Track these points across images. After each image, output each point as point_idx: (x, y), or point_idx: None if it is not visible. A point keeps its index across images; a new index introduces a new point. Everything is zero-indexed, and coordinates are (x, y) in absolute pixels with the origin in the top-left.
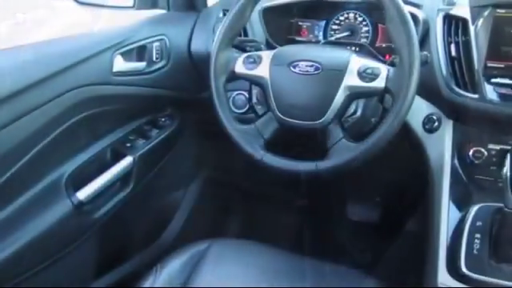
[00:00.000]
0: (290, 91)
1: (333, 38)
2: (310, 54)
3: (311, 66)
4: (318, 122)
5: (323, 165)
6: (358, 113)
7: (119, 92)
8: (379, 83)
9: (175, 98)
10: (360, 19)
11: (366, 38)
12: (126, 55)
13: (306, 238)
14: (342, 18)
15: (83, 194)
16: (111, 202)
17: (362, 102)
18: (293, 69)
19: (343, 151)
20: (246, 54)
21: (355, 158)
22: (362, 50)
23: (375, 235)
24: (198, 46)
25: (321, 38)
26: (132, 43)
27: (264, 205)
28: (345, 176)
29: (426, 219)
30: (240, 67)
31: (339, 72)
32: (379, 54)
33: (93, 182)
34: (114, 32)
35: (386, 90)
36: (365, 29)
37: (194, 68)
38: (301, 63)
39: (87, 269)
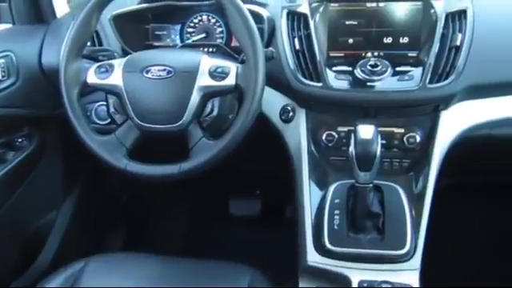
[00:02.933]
0: (145, 97)
1: (189, 41)
2: (162, 58)
3: (163, 70)
4: (176, 124)
5: (186, 166)
6: (215, 111)
7: None
8: (230, 81)
9: (31, 116)
10: (213, 21)
11: (221, 38)
12: None
13: (191, 240)
14: (196, 21)
15: None
16: None
17: (217, 101)
18: (146, 74)
19: (204, 150)
20: (97, 64)
21: (216, 155)
22: (218, 51)
23: (258, 227)
24: (49, 59)
25: (178, 41)
26: None
27: (147, 213)
28: (223, 173)
29: (295, 203)
30: (92, 77)
31: (191, 74)
32: (235, 53)
33: None
34: None
35: (236, 87)
36: (219, 30)
37: (49, 82)
38: (153, 68)
39: None
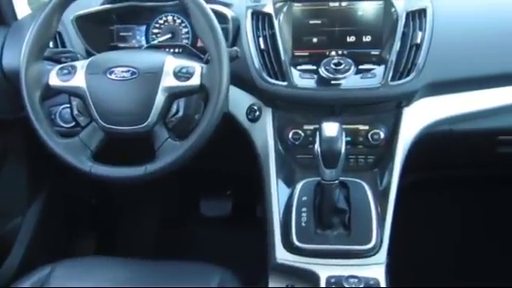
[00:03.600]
0: (109, 99)
1: (155, 42)
2: (125, 59)
3: (127, 71)
4: (142, 125)
5: (152, 167)
6: (181, 112)
7: None
8: (195, 81)
9: None
10: (179, 21)
11: (187, 39)
12: None
13: (162, 242)
14: (161, 22)
15: None
16: None
17: (183, 101)
18: (109, 76)
19: (170, 151)
20: (59, 66)
21: (182, 156)
22: (184, 51)
23: (229, 227)
24: (10, 61)
25: (144, 42)
26: None
27: (117, 216)
28: (194, 173)
29: (264, 202)
30: (54, 80)
31: (155, 74)
32: (201, 54)
33: None
34: None
35: (201, 87)
36: (185, 30)
37: (10, 85)
38: (116, 69)
39: None
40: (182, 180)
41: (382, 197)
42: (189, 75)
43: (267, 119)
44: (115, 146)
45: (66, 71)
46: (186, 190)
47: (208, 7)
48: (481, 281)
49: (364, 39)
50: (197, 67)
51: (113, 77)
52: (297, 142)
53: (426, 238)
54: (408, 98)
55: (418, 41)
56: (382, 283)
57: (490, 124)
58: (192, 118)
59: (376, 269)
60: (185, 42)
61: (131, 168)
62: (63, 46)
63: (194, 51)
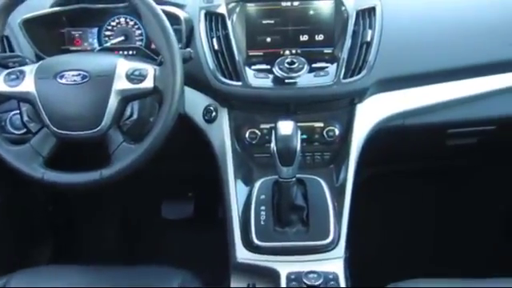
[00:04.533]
0: (61, 103)
1: (108, 45)
2: (76, 63)
3: (78, 74)
4: (95, 130)
5: (107, 172)
6: (135, 115)
7: None
8: (148, 83)
9: None
10: (132, 23)
11: (141, 40)
12: None
13: (124, 246)
14: (113, 24)
15: None
16: None
17: (137, 104)
18: (59, 80)
19: (125, 155)
20: (6, 71)
21: (137, 159)
22: (139, 53)
23: (192, 229)
24: None
25: (96, 45)
26: None
27: (75, 222)
28: (155, 176)
29: (223, 202)
30: (1, 85)
31: (107, 77)
32: (156, 56)
33: None
34: None
35: (155, 89)
36: (138, 32)
37: None
38: (67, 73)
39: None
40: (142, 183)
41: (338, 192)
42: (142, 78)
43: (223, 119)
44: (69, 151)
45: (13, 76)
46: (146, 194)
47: (158, 8)
48: (439, 268)
49: (317, 38)
50: (149, 69)
51: (63, 81)
52: (254, 142)
53: (385, 231)
54: (360, 95)
55: (369, 39)
56: (341, 277)
57: (440, 118)
58: (147, 121)
59: (335, 263)
60: (138, 43)
61: (86, 173)
62: (11, 50)
63: (149, 53)
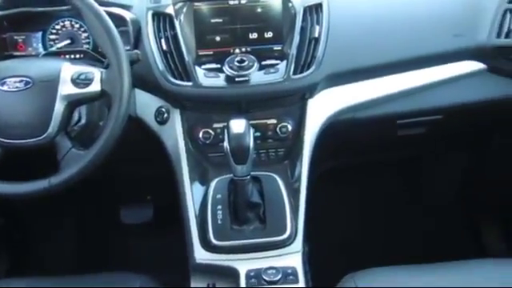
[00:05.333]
0: (4, 111)
1: (53, 49)
2: (18, 68)
3: (20, 81)
4: (41, 137)
5: (56, 180)
6: (83, 120)
7: None
8: (95, 87)
9: None
10: (77, 26)
11: (88, 43)
12: None
13: (83, 255)
14: (58, 27)
15: None
16: None
17: (84, 109)
18: (1, 87)
19: (74, 161)
20: None
21: (87, 165)
22: (86, 57)
23: (152, 233)
24: None
25: (41, 49)
26: None
27: (30, 234)
28: (112, 181)
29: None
30: None
31: (52, 83)
32: (103, 58)
33: None
34: None
35: (102, 92)
36: (84, 35)
37: None
38: (8, 80)
39: None
40: (99, 189)
41: (294, 188)
42: (88, 81)
43: (176, 120)
44: (17, 160)
45: None
46: (104, 199)
47: (101, 10)
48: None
49: (266, 35)
50: (96, 72)
51: (5, 88)
52: (207, 141)
53: (343, 223)
54: (310, 90)
55: (316, 34)
56: (300, 271)
57: (389, 109)
58: (96, 125)
59: (293, 258)
60: (85, 47)
61: (34, 182)
62: None
63: (97, 56)
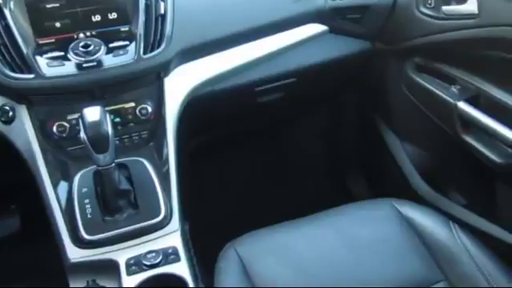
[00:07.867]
0: None
1: None
2: None
3: None
4: None
5: None
6: None
7: None
8: None
9: None
10: None
11: None
12: None
13: None
14: None
15: None
16: None
17: None
18: None
19: None
20: None
21: None
22: None
23: (23, 244)
24: None
25: None
26: None
27: None
28: None
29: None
30: None
31: None
32: None
33: None
34: None
35: None
36: None
37: None
38: None
39: None
40: None
41: (163, 169)
42: None
43: (24, 118)
44: None
45: None
46: None
47: None
48: (276, 218)
49: (110, 17)
50: None
51: None
52: (64, 135)
53: (222, 196)
54: (164, 68)
55: (162, 11)
56: (180, 249)
57: (246, 78)
58: None
59: (172, 237)
60: None
61: None
62: None
63: None
